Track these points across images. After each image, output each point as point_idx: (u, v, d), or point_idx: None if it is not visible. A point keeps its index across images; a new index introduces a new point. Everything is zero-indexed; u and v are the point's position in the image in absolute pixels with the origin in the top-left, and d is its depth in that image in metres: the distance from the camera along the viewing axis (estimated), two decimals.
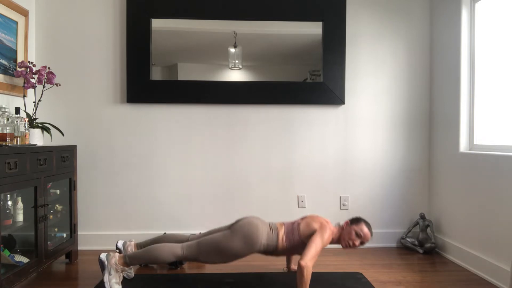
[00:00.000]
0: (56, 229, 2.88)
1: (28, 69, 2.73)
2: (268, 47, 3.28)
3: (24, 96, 2.83)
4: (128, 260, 2.36)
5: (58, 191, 2.86)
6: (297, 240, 2.39)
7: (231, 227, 2.46)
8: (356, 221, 2.43)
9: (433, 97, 3.36)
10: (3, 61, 2.75)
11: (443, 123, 3.19)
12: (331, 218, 3.34)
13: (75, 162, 2.93)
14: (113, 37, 3.25)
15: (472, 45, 2.93)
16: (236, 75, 3.28)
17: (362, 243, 2.40)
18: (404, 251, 3.26)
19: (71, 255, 2.89)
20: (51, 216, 2.72)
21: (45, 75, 2.80)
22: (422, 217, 3.28)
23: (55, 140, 3.18)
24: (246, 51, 3.27)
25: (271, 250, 2.42)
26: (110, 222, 3.27)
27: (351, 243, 2.37)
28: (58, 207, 2.87)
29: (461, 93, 2.95)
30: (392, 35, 3.38)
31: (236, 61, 3.28)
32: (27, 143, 2.56)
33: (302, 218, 2.49)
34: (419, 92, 3.41)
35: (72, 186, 2.88)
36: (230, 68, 3.28)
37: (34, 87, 2.77)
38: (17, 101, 2.90)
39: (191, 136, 3.30)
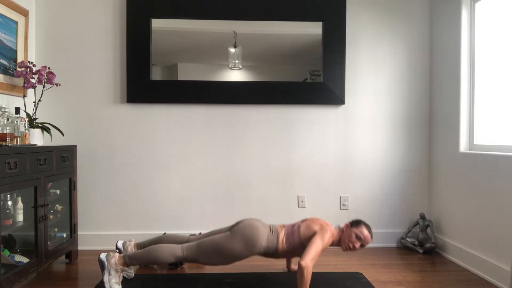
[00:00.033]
0: (56, 229, 2.88)
1: (28, 69, 2.74)
2: (268, 47, 3.28)
3: (24, 96, 2.83)
4: (128, 260, 2.36)
5: (58, 191, 2.86)
6: (297, 243, 2.39)
7: (231, 228, 2.47)
8: (356, 223, 2.43)
9: (433, 97, 3.36)
10: (3, 61, 2.75)
11: (443, 123, 3.19)
12: (331, 218, 3.34)
13: (75, 162, 2.93)
14: (113, 37, 3.25)
15: (472, 45, 2.93)
16: (236, 75, 3.28)
17: (362, 245, 2.40)
18: (404, 251, 3.26)
19: (71, 255, 2.89)
20: (51, 216, 2.72)
21: (45, 75, 2.80)
22: (422, 217, 3.28)
23: (55, 140, 3.18)
24: (246, 51, 3.27)
25: (271, 253, 2.42)
26: (110, 222, 3.27)
27: (351, 245, 2.37)
28: (58, 207, 2.87)
29: (461, 93, 2.95)
30: (392, 35, 3.38)
31: (236, 61, 3.28)
32: (27, 143, 2.56)
33: (303, 221, 2.49)
34: (419, 92, 3.41)
35: (72, 186, 2.88)
36: (230, 68, 3.28)
37: (34, 87, 2.77)
38: (17, 101, 2.90)
39: (191, 136, 3.30)
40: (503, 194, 2.47)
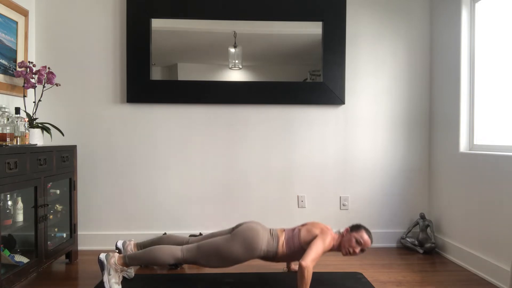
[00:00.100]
0: (56, 229, 2.88)
1: (28, 69, 2.74)
2: (268, 47, 3.28)
3: (24, 96, 2.83)
4: (127, 261, 2.36)
5: (58, 191, 2.86)
6: (298, 247, 2.40)
7: (231, 231, 2.47)
8: (356, 228, 2.43)
9: (433, 97, 3.36)
10: (3, 61, 2.75)
11: (443, 123, 3.19)
12: (331, 218, 3.35)
13: (75, 162, 2.93)
14: (113, 37, 3.25)
15: (472, 45, 2.93)
16: (236, 75, 3.28)
17: (362, 250, 2.40)
18: (404, 251, 3.26)
19: (71, 255, 2.89)
20: (51, 216, 2.72)
21: (45, 75, 2.80)
22: (422, 217, 3.28)
23: (55, 140, 3.18)
24: (246, 51, 3.27)
25: (271, 256, 2.42)
26: (110, 222, 3.27)
27: (351, 250, 2.37)
28: (58, 207, 2.87)
29: (461, 93, 2.95)
30: (392, 35, 3.38)
31: (236, 61, 3.28)
32: (27, 143, 2.56)
33: (303, 225, 2.50)
34: (419, 92, 3.41)
35: (72, 186, 2.88)
36: (230, 68, 3.28)
37: (34, 87, 2.77)
38: (17, 101, 2.90)
39: (191, 136, 3.30)
40: (503, 194, 2.47)
